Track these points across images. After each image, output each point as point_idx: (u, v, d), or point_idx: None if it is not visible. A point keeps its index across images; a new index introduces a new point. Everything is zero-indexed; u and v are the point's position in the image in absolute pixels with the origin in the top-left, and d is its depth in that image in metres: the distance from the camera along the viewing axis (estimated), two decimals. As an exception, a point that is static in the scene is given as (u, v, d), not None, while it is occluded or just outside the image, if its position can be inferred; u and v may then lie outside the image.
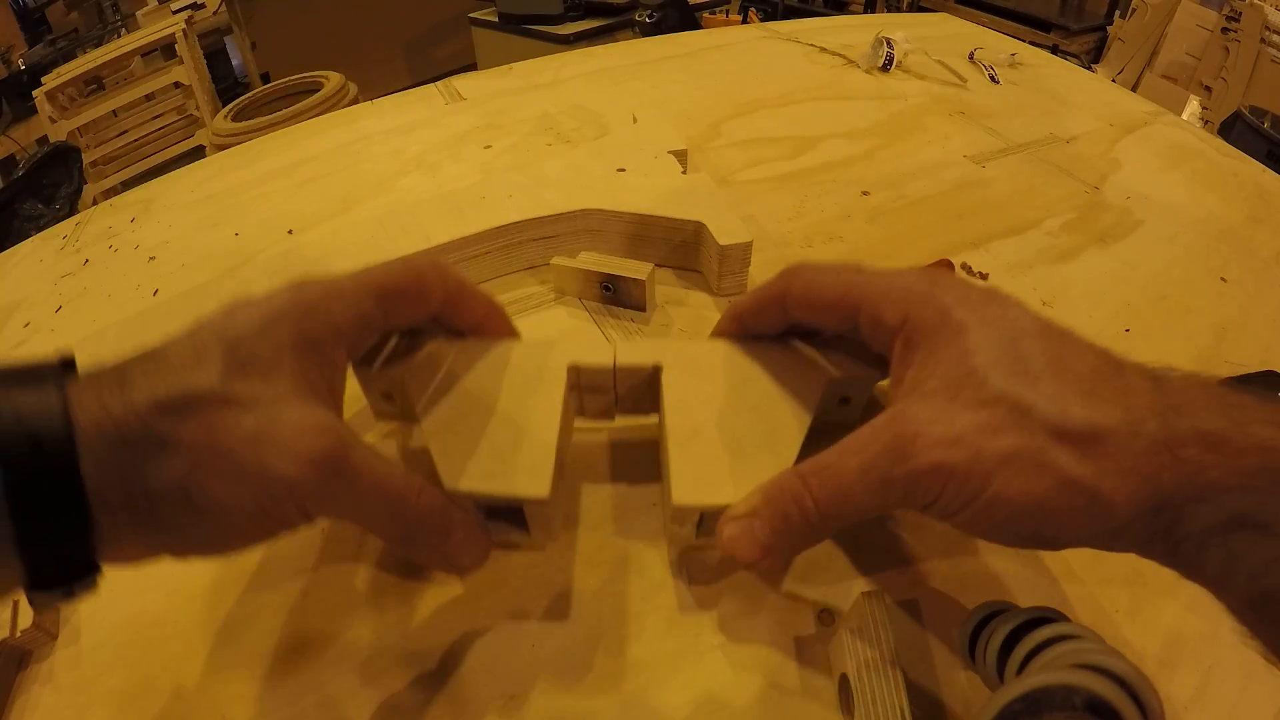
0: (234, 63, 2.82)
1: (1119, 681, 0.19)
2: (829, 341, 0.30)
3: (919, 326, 0.23)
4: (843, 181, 0.54)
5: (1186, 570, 0.20)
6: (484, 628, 0.27)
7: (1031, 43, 0.91)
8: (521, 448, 0.27)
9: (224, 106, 1.96)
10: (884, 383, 0.27)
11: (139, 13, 2.46)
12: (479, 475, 0.26)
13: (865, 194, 0.52)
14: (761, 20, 2.43)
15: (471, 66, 2.08)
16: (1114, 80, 1.78)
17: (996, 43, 0.81)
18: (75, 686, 0.26)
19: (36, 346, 0.42)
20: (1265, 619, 0.19)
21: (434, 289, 0.28)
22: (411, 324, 0.29)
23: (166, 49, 1.98)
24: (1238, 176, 0.58)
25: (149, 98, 1.96)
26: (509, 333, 0.31)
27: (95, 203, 0.83)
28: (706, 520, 0.27)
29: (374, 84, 1.95)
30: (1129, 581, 0.29)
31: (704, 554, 0.29)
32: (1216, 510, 0.19)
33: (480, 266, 0.43)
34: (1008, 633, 0.23)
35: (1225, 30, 2.03)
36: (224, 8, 2.50)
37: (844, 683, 0.24)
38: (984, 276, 0.45)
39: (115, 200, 0.59)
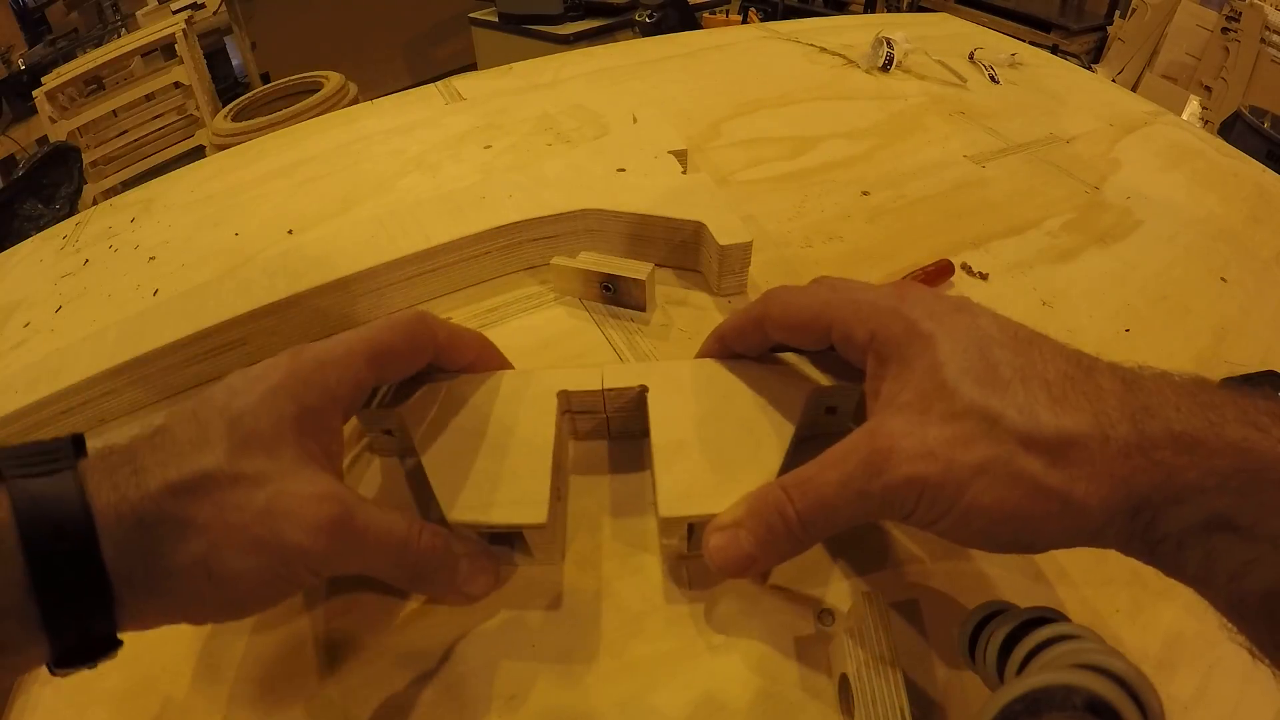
0: (234, 63, 2.82)
1: (1119, 681, 0.19)
2: (818, 356, 0.31)
3: (887, 341, 0.24)
4: (843, 181, 0.54)
5: (1167, 569, 0.21)
6: (484, 628, 0.27)
7: (1031, 43, 0.91)
8: (518, 476, 0.27)
9: (224, 106, 1.96)
10: None
11: (139, 13, 2.46)
12: (479, 506, 0.27)
13: (865, 194, 0.52)
14: (761, 20, 2.44)
15: (471, 66, 2.08)
16: (1114, 80, 1.78)
17: (996, 43, 0.81)
18: (75, 686, 0.26)
19: (36, 346, 0.42)
20: (1245, 617, 0.20)
21: (424, 344, 0.29)
22: (405, 376, 0.30)
23: (166, 49, 1.98)
24: (1238, 176, 0.58)
25: (149, 98, 1.96)
26: (502, 366, 0.33)
27: (95, 203, 0.83)
28: (696, 531, 0.28)
29: (374, 84, 1.95)
30: (1128, 582, 0.29)
31: (701, 558, 0.29)
32: (1193, 511, 0.19)
33: (480, 266, 0.43)
34: (1008, 633, 0.23)
35: (1225, 30, 2.03)
36: (224, 8, 2.50)
37: (844, 683, 0.24)
38: (984, 276, 0.45)
39: (115, 200, 0.59)
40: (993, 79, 0.71)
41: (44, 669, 0.20)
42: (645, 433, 0.30)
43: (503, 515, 0.26)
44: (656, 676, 0.26)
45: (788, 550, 0.24)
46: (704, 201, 0.42)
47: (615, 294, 0.41)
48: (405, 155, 0.57)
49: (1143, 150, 0.60)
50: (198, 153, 1.93)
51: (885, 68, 0.71)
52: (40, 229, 0.64)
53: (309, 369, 0.25)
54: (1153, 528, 0.20)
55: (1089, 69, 1.70)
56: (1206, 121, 1.95)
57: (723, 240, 0.39)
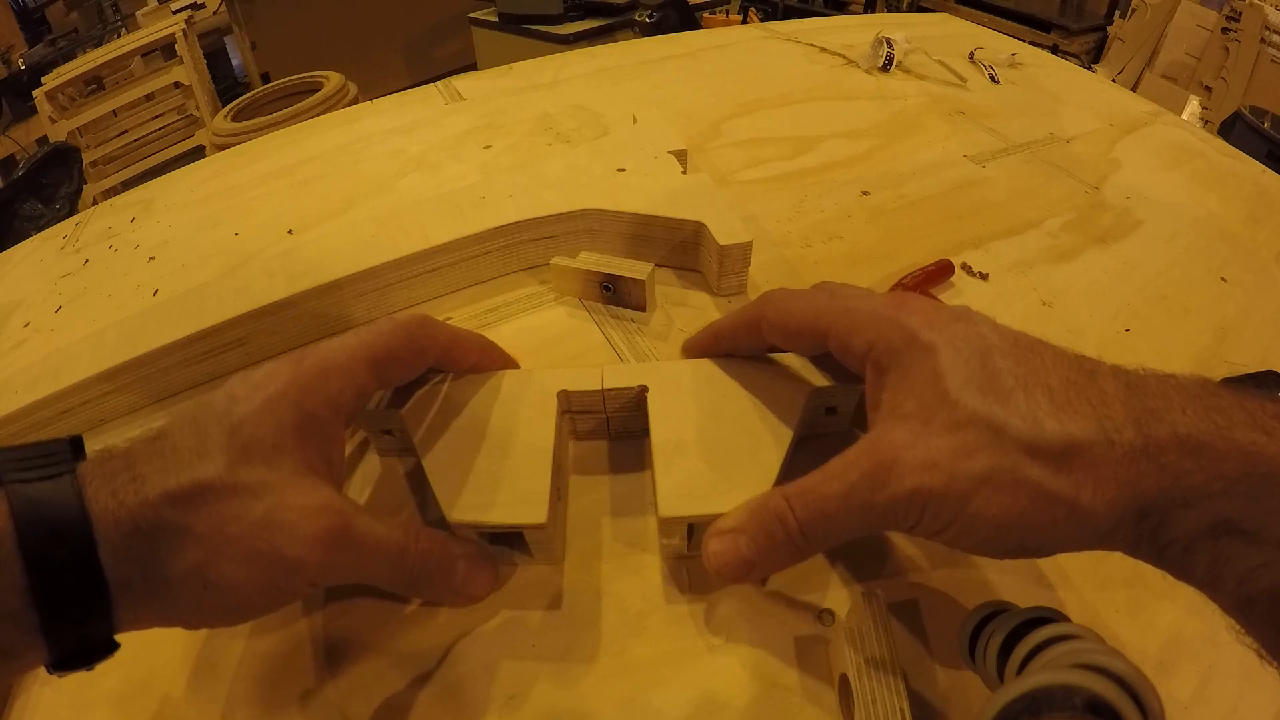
0: (234, 63, 2.82)
1: (1119, 681, 0.19)
2: (818, 358, 0.31)
3: (886, 350, 0.24)
4: (843, 181, 0.54)
5: (1174, 572, 0.21)
6: (484, 628, 0.27)
7: (1031, 43, 0.91)
8: (518, 476, 0.28)
9: (224, 106, 1.96)
10: None
11: (139, 13, 2.46)
12: (478, 506, 0.27)
13: (865, 194, 0.52)
14: (761, 20, 2.44)
15: (471, 66, 2.08)
16: (1114, 80, 1.78)
17: (996, 43, 0.81)
18: (75, 686, 0.26)
19: (36, 346, 0.42)
20: (1254, 620, 0.19)
21: (426, 348, 0.29)
22: (407, 381, 0.30)
23: (166, 49, 1.98)
24: (1238, 176, 0.58)
25: (149, 98, 1.96)
26: (507, 365, 0.32)
27: (95, 203, 0.83)
28: (696, 531, 0.28)
29: (374, 84, 1.95)
30: (1128, 583, 0.29)
31: (700, 557, 0.29)
32: (1201, 515, 0.19)
33: (480, 266, 0.43)
34: (1008, 633, 0.23)
35: (1225, 30, 2.03)
36: (224, 8, 2.50)
37: (844, 683, 0.24)
38: (984, 276, 0.45)
39: (115, 200, 0.59)
40: (993, 79, 0.71)
41: (43, 669, 0.20)
42: (645, 433, 0.30)
43: (503, 515, 0.26)
44: (656, 676, 0.26)
45: (787, 558, 0.24)
46: (704, 201, 0.42)
47: (615, 294, 0.41)
48: (405, 155, 0.57)
49: (1143, 150, 0.60)
50: (198, 153, 1.93)
51: (885, 68, 0.71)
52: (40, 229, 0.64)
53: (311, 375, 0.24)
54: (1160, 531, 0.20)
55: (1089, 69, 1.70)
56: (1206, 121, 1.95)
57: (723, 240, 0.39)
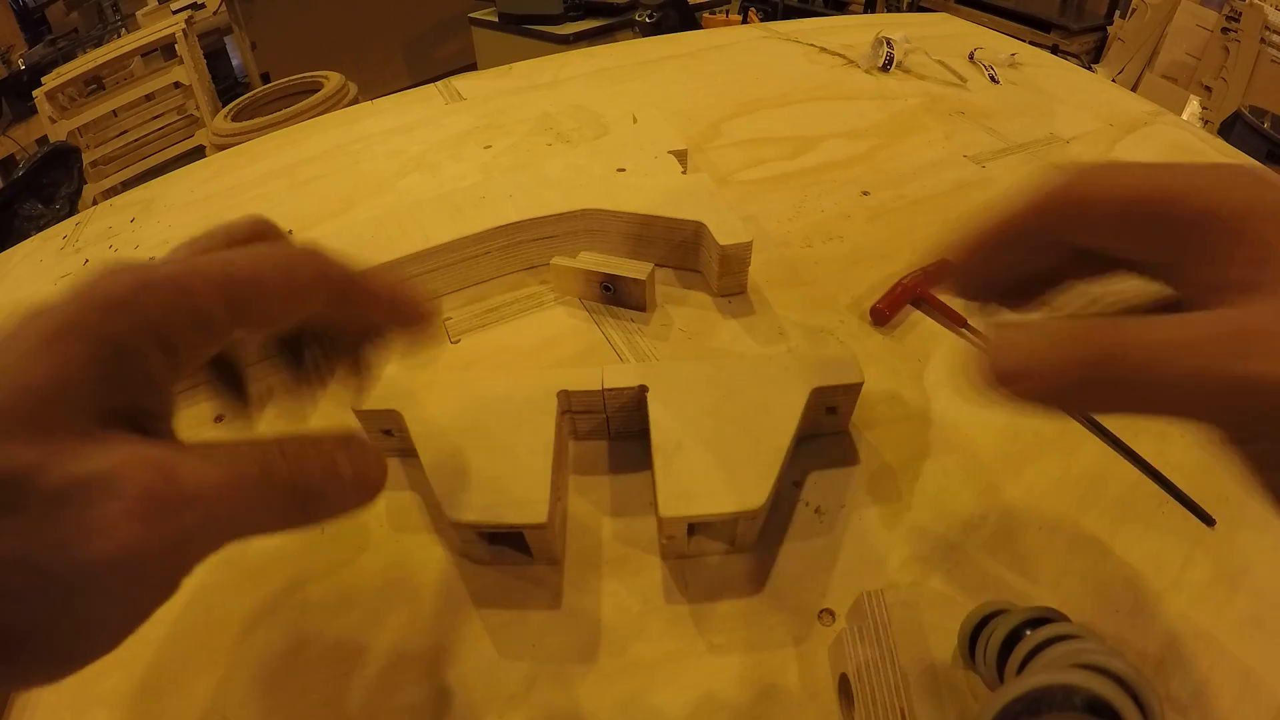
0: (234, 63, 2.82)
1: (1119, 681, 0.19)
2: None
3: (1249, 215, 0.17)
4: (843, 181, 0.54)
5: None
6: (484, 628, 0.27)
7: (1031, 43, 0.91)
8: (518, 476, 0.28)
9: (224, 106, 1.96)
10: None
11: (139, 13, 2.46)
12: (479, 506, 0.27)
13: (865, 194, 0.52)
14: (761, 20, 2.43)
15: (471, 66, 2.08)
16: (1114, 80, 1.78)
17: (996, 43, 0.81)
18: (75, 686, 0.26)
19: (36, 346, 0.42)
20: None
21: (307, 284, 0.20)
22: (279, 327, 0.21)
23: (166, 49, 1.98)
24: (1238, 176, 0.58)
25: (149, 98, 1.96)
26: (424, 321, 0.23)
27: (95, 203, 0.83)
28: (696, 531, 0.28)
29: (374, 84, 1.95)
30: (1128, 583, 0.29)
31: (701, 558, 0.30)
32: None
33: (480, 266, 0.43)
34: (1008, 633, 0.23)
35: (1225, 30, 2.03)
36: (224, 8, 2.50)
37: (844, 683, 0.24)
38: (984, 276, 0.45)
39: (115, 200, 0.59)
40: (993, 79, 0.71)
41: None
42: (645, 433, 0.30)
43: (503, 515, 0.26)
44: (656, 676, 0.26)
45: (1080, 390, 0.18)
46: (704, 201, 0.42)
47: (615, 294, 0.41)
48: (405, 155, 0.57)
49: (1143, 150, 0.60)
50: (198, 153, 1.93)
51: (885, 68, 0.71)
52: (40, 229, 0.64)
53: (119, 290, 0.17)
54: None
55: (1089, 69, 1.70)
56: (1206, 121, 1.95)
57: (723, 240, 0.39)
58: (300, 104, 1.78)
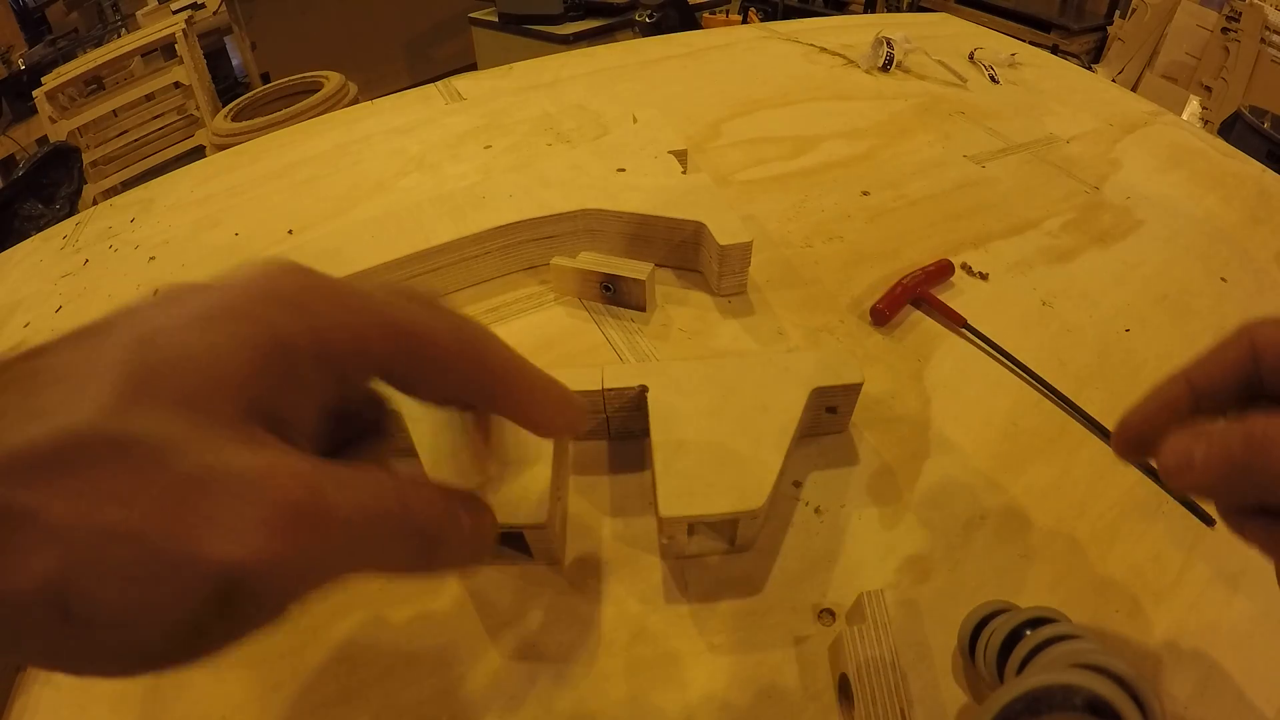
0: (234, 63, 2.82)
1: (1119, 681, 0.19)
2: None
3: None
4: (843, 181, 0.54)
5: None
6: (483, 627, 0.27)
7: (1031, 43, 0.91)
8: (518, 477, 0.27)
9: (224, 106, 1.96)
10: None
11: (139, 13, 2.46)
12: None
13: (865, 194, 0.52)
14: (761, 20, 2.43)
15: (471, 66, 2.08)
16: (1114, 80, 1.78)
17: (996, 43, 0.81)
18: (75, 686, 0.26)
19: (36, 346, 0.42)
20: None
21: (472, 364, 0.19)
22: (418, 391, 0.19)
23: (166, 49, 1.98)
24: (1238, 176, 0.58)
25: (149, 98, 1.96)
26: (570, 430, 0.21)
27: (95, 203, 0.83)
28: (697, 530, 0.28)
29: (374, 84, 1.95)
30: (1128, 583, 0.29)
31: (701, 558, 0.30)
32: None
33: (480, 266, 0.43)
34: (1008, 633, 0.23)
35: (1225, 30, 2.03)
36: (224, 8, 2.50)
37: (844, 683, 0.24)
38: (984, 276, 0.45)
39: (115, 200, 0.59)
40: (993, 79, 0.71)
41: (47, 672, 0.20)
42: (645, 433, 0.30)
43: (503, 515, 0.26)
44: (656, 676, 0.26)
45: (1220, 484, 0.19)
46: (704, 201, 0.42)
47: (615, 294, 0.41)
48: (405, 155, 0.57)
49: (1143, 150, 0.60)
50: (198, 153, 1.93)
51: (885, 68, 0.71)
52: (40, 229, 0.64)
53: (291, 285, 0.16)
54: None
55: (1089, 69, 1.70)
56: (1206, 121, 1.95)
57: (723, 240, 0.39)
58: (300, 104, 1.78)
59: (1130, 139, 0.62)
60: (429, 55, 2.93)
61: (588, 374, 0.31)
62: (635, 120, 0.53)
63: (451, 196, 0.45)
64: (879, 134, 0.60)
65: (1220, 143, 0.64)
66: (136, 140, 1.94)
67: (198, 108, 1.98)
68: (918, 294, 0.42)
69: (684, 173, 0.46)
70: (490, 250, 0.42)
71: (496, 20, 2.12)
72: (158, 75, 1.94)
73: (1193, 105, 2.01)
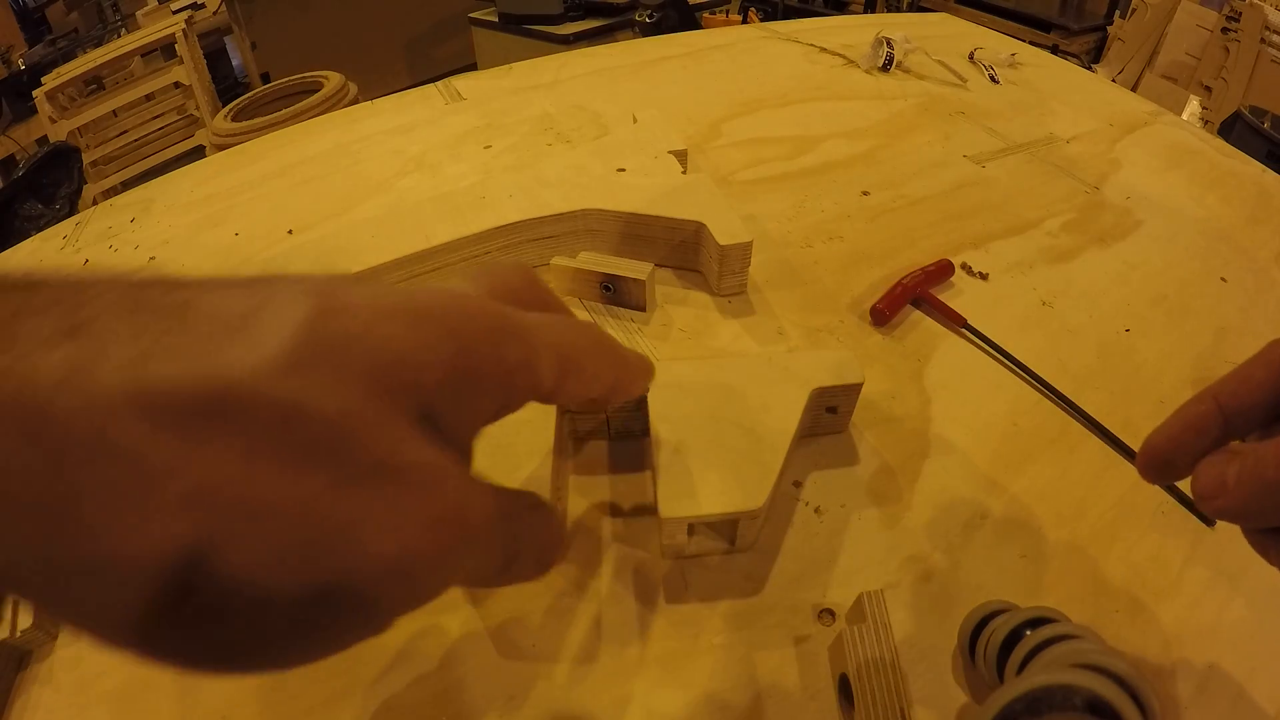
0: (234, 63, 2.82)
1: (1119, 681, 0.19)
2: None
3: None
4: (843, 181, 0.54)
5: None
6: (484, 628, 0.27)
7: (1031, 43, 0.91)
8: (517, 476, 0.28)
9: (224, 106, 1.95)
10: None
11: (139, 13, 2.46)
12: None
13: (865, 194, 0.52)
14: (761, 20, 2.43)
15: (471, 66, 2.08)
16: (1114, 80, 1.78)
17: (996, 43, 0.81)
18: (75, 686, 0.26)
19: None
20: None
21: (625, 369, 0.20)
22: (562, 404, 0.21)
23: (166, 49, 1.98)
24: (1238, 176, 0.58)
25: (149, 98, 1.96)
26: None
27: (95, 203, 0.83)
28: (697, 530, 0.28)
29: (374, 84, 1.95)
30: (1128, 583, 0.29)
31: (701, 558, 0.29)
32: None
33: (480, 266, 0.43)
34: (1008, 633, 0.23)
35: (1225, 30, 2.03)
36: (224, 8, 2.50)
37: (844, 683, 0.24)
38: (984, 276, 0.45)
39: (115, 200, 0.59)
40: (993, 79, 0.71)
41: (47, 672, 0.20)
42: (645, 433, 0.30)
43: None
44: (656, 676, 0.26)
45: (1251, 509, 0.19)
46: (704, 201, 0.42)
47: (615, 294, 0.41)
48: (405, 155, 0.57)
49: (1143, 150, 0.60)
50: (198, 153, 1.93)
51: (885, 68, 0.71)
52: (40, 229, 0.64)
53: (501, 319, 0.16)
54: None
55: (1089, 69, 1.70)
56: (1206, 121, 1.95)
57: (723, 240, 0.39)
58: (300, 104, 1.78)
59: (1130, 139, 0.62)
60: (429, 55, 2.93)
61: None
62: (635, 120, 0.53)
63: (451, 196, 0.44)
64: (879, 134, 0.60)
65: (1220, 143, 0.64)
66: (136, 140, 1.94)
67: (198, 108, 1.98)
68: (918, 294, 0.42)
69: (684, 173, 0.46)
70: (490, 250, 0.42)
71: (496, 20, 2.12)
72: (158, 75, 1.94)
73: (1193, 105, 2.01)
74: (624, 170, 0.46)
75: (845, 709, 0.24)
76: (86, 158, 1.80)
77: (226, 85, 2.67)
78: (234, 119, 1.85)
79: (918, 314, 0.42)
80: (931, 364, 0.39)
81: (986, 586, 0.28)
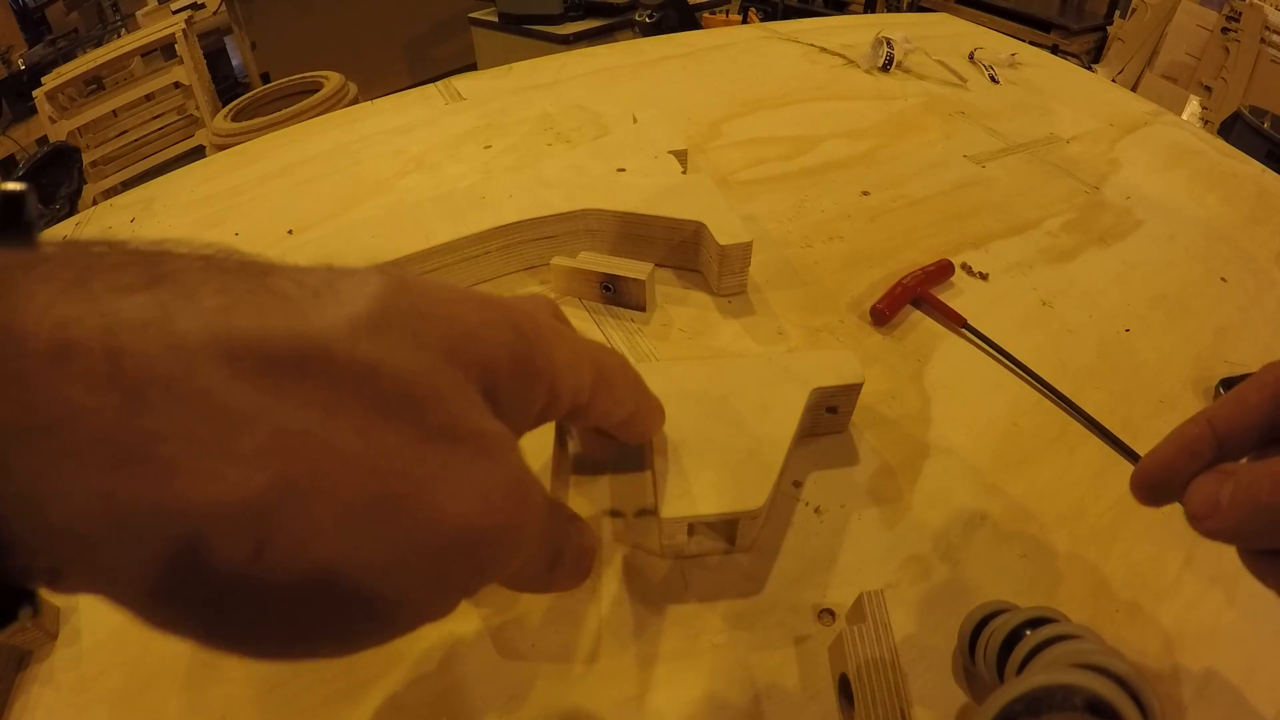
0: (234, 63, 2.82)
1: (1119, 681, 0.19)
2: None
3: None
4: (843, 181, 0.54)
5: None
6: (484, 628, 0.27)
7: (1031, 43, 0.91)
8: None
9: (224, 106, 1.95)
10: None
11: (139, 13, 2.46)
12: None
13: (865, 194, 0.52)
14: (761, 20, 2.43)
15: (471, 66, 2.08)
16: (1114, 80, 1.78)
17: (996, 43, 0.81)
18: (75, 686, 0.26)
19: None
20: None
21: (644, 406, 0.22)
22: (577, 422, 0.21)
23: (166, 49, 1.98)
24: (1238, 176, 0.58)
25: (149, 98, 1.96)
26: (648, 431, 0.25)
27: (95, 203, 0.83)
28: (697, 530, 0.28)
29: (374, 84, 1.95)
30: (1128, 583, 0.29)
31: (701, 558, 0.30)
32: None
33: (480, 266, 0.43)
34: (1008, 633, 0.23)
35: (1225, 30, 2.03)
36: (224, 8, 2.50)
37: (844, 683, 0.24)
38: (984, 276, 0.45)
39: (115, 200, 0.59)
40: (993, 79, 0.71)
41: (47, 671, 0.20)
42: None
43: None
44: (656, 676, 0.26)
45: (1243, 531, 0.19)
46: (704, 201, 0.42)
47: (615, 294, 0.41)
48: (405, 155, 0.57)
49: (1143, 150, 0.60)
50: (198, 153, 1.93)
51: (885, 68, 0.71)
52: (40, 229, 0.64)
53: (554, 330, 0.17)
54: None
55: (1089, 69, 1.70)
56: (1206, 121, 1.95)
57: (723, 240, 0.39)
58: (300, 104, 1.78)
59: (1130, 139, 0.62)
60: (429, 55, 2.93)
61: None
62: (635, 120, 0.53)
63: (451, 196, 0.44)
64: (879, 134, 0.60)
65: (1220, 143, 0.64)
66: (136, 140, 1.94)
67: (198, 108, 1.98)
68: (918, 294, 0.42)
69: (684, 173, 0.46)
70: (490, 250, 0.42)
71: (496, 20, 2.12)
72: (158, 75, 1.95)
73: (1193, 105, 2.01)
74: (624, 170, 0.46)
75: (845, 709, 0.24)
76: (86, 158, 1.80)
77: (226, 85, 2.67)
78: (234, 119, 1.85)
79: (918, 314, 0.42)
80: (931, 364, 0.39)
81: (986, 586, 0.28)
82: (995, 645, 0.23)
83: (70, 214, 0.60)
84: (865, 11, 2.74)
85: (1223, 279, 0.46)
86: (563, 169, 0.46)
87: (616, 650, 0.27)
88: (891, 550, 0.30)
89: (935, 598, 0.28)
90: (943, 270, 0.44)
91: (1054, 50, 2.01)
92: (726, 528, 0.29)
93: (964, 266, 0.45)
